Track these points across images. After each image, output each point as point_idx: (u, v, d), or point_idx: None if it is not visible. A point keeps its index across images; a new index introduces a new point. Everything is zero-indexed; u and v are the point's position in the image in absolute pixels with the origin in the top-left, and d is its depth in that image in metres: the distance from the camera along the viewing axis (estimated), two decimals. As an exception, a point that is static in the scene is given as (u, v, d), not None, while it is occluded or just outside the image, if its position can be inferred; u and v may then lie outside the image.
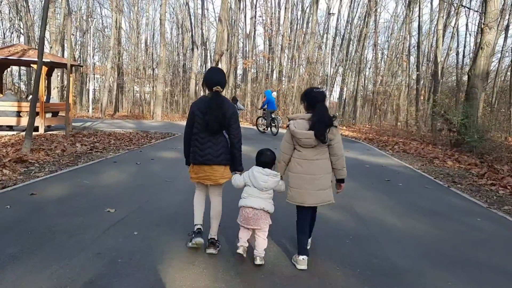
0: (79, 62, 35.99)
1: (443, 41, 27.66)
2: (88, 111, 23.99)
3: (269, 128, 16.78)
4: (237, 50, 35.07)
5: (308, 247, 3.68)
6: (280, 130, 15.92)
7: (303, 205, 3.51)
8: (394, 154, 12.14)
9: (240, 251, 3.44)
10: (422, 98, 30.22)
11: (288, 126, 3.51)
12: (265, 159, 3.57)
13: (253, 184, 3.48)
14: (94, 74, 38.35)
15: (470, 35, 55.30)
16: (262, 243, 3.46)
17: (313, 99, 3.52)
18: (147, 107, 34.18)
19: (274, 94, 20.95)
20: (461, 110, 15.40)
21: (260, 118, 18.03)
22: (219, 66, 27.71)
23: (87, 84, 36.72)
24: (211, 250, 3.64)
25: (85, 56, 39.15)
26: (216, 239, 3.71)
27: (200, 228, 3.70)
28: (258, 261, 3.42)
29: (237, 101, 17.07)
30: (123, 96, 40.66)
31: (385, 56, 37.34)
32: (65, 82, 27.77)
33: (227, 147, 3.65)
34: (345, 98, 40.05)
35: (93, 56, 41.66)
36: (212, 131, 3.55)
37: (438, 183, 7.81)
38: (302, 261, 3.44)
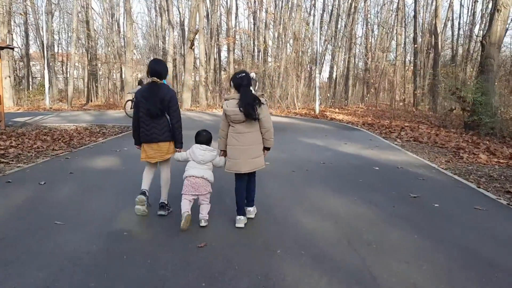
0: (45, 48, 32.78)
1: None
2: (46, 102, 20.96)
3: None
4: (217, 28, 32.09)
5: (253, 216, 4.24)
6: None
7: (239, 172, 3.99)
8: (404, 145, 9.56)
9: (183, 220, 3.78)
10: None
11: (222, 106, 3.97)
12: (202, 138, 4.17)
13: (192, 159, 4.05)
14: (46, 61, 35.16)
15: (462, 5, 52.80)
16: (205, 207, 4.05)
17: (237, 84, 3.95)
18: (122, 95, 31.19)
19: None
20: (476, 85, 12.87)
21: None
22: (195, 46, 24.84)
23: (52, 72, 33.51)
24: (161, 212, 4.30)
25: (51, 42, 35.86)
26: (166, 203, 4.38)
27: (145, 191, 4.30)
28: (202, 223, 3.97)
29: (140, 84, 15.97)
30: (98, 84, 37.67)
31: (377, 30, 34.65)
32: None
33: (169, 126, 4.24)
34: (336, 77, 37.43)
35: (56, 41, 38.60)
36: (152, 115, 4.14)
37: (490, 197, 5.23)
38: (239, 220, 4.00)
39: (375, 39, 34.31)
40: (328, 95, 29.09)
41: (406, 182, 5.85)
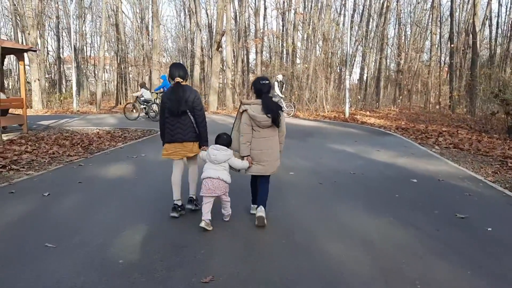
0: (73, 51, 33.29)
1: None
2: (73, 105, 20.99)
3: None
4: (245, 30, 31.69)
5: (263, 215, 4.06)
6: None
7: (265, 174, 4.20)
8: (444, 153, 8.72)
9: (202, 224, 3.88)
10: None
11: (245, 111, 4.03)
12: (221, 142, 4.15)
13: (208, 160, 4.07)
14: (75, 63, 35.64)
15: (501, 4, 50.46)
16: (226, 204, 4.17)
17: (258, 90, 4.11)
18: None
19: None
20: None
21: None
22: (222, 48, 24.47)
23: (83, 75, 34.00)
24: (189, 206, 4.52)
25: (82, 45, 36.42)
26: (194, 198, 4.54)
27: (177, 204, 4.35)
28: (226, 218, 4.22)
29: (143, 87, 16.38)
30: (128, 87, 37.98)
31: (410, 30, 33.34)
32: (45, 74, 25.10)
33: (193, 127, 4.35)
34: (367, 79, 36.33)
35: (89, 44, 39.18)
36: (175, 114, 4.26)
37: (553, 219, 4.45)
38: (253, 208, 4.39)
39: (408, 39, 33.08)
40: (359, 97, 28.16)
41: (449, 198, 5.10)
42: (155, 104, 15.82)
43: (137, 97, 16.23)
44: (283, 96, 17.81)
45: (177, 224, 4.11)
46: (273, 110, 3.98)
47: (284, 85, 18.70)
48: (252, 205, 4.45)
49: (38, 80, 21.19)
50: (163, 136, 4.48)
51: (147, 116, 16.04)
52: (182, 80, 4.31)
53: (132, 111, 16.69)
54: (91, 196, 5.12)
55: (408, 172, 6.58)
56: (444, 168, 7.01)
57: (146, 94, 16.12)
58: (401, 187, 5.62)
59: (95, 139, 10.33)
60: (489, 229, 4.01)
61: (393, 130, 12.84)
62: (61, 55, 36.70)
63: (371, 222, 4.17)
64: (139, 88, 16.95)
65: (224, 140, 4.16)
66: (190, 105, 4.25)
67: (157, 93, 16.36)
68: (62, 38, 36.68)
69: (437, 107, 21.35)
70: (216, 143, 4.15)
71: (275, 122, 4.00)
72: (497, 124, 14.11)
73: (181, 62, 37.11)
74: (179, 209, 4.35)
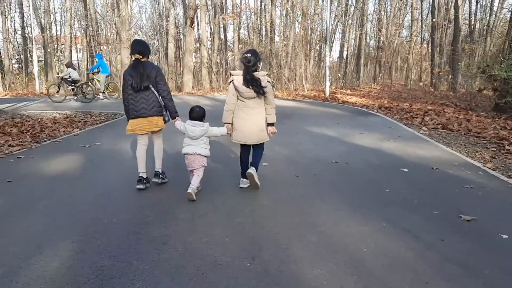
0: (45, 31, 31.37)
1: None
2: (36, 87, 19.52)
3: (101, 94, 15.62)
4: (221, 5, 30.28)
5: (255, 176, 4.31)
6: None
7: (246, 143, 4.36)
8: (433, 134, 7.99)
9: (189, 195, 4.05)
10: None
11: (231, 81, 4.21)
12: (195, 115, 4.22)
13: (187, 135, 4.19)
14: (42, 42, 33.77)
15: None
16: (196, 179, 4.18)
17: (242, 63, 4.23)
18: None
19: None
20: (508, 61, 11.22)
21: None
22: (195, 25, 23.18)
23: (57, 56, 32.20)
24: (155, 179, 4.62)
25: (48, 23, 34.33)
26: (160, 171, 4.64)
27: (142, 177, 4.47)
28: (190, 190, 4.06)
29: (70, 67, 15.31)
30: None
31: (390, 6, 32.49)
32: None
33: (157, 101, 4.41)
34: (347, 57, 35.53)
35: (58, 22, 37.15)
36: (138, 90, 4.30)
37: None
38: (243, 182, 4.49)
39: (388, 14, 32.26)
40: (339, 75, 27.30)
41: (448, 193, 4.33)
42: (91, 85, 15.33)
43: (62, 78, 15.20)
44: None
45: (112, 244, 3.21)
46: (251, 83, 4.11)
47: (261, 63, 17.69)
48: (241, 179, 4.53)
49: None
50: (127, 113, 4.50)
51: (75, 97, 15.25)
52: (141, 57, 4.31)
53: (57, 92, 15.72)
54: (16, 200, 4.16)
55: (397, 160, 5.79)
56: (436, 153, 6.25)
57: (74, 74, 15.10)
58: (391, 180, 4.83)
59: (49, 125, 9.26)
60: (504, 236, 3.24)
61: (376, 110, 12.08)
62: (29, 34, 34.67)
63: (359, 230, 3.35)
64: (65, 68, 15.88)
65: (198, 113, 4.22)
66: (153, 80, 4.31)
67: (92, 73, 15.88)
68: (30, 16, 34.49)
69: (420, 84, 20.64)
70: (191, 117, 4.21)
71: (259, 93, 4.13)
72: (484, 101, 13.53)
73: (155, 40, 35.58)
74: (144, 181, 4.46)
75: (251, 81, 4.11)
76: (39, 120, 10.04)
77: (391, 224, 3.48)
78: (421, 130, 8.49)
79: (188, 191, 4.04)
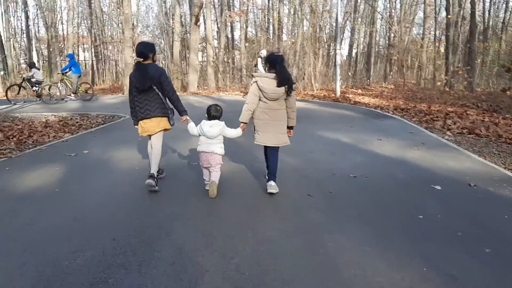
0: (49, 30, 30.81)
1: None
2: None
3: (72, 95, 15.21)
4: (228, 3, 29.49)
5: (274, 191, 4.19)
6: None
7: (266, 145, 4.28)
8: (460, 141, 7.15)
9: (207, 187, 4.23)
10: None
11: (255, 82, 4.16)
12: (214, 113, 4.24)
13: (202, 134, 4.21)
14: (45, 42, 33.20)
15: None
16: (215, 175, 4.21)
17: (274, 61, 4.17)
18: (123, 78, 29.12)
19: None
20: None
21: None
22: (201, 22, 22.43)
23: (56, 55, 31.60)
24: (149, 181, 4.27)
25: (55, 23, 33.83)
26: (155, 175, 4.38)
27: (153, 175, 4.31)
28: (207, 187, 4.27)
29: (33, 67, 14.83)
30: (104, 67, 35.75)
31: (400, 3, 31.45)
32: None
33: (161, 102, 4.42)
34: (356, 55, 34.59)
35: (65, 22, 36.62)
36: (142, 90, 4.33)
37: None
38: (270, 186, 4.23)
39: (400, 11, 31.24)
40: (350, 74, 26.35)
41: (496, 221, 3.52)
42: (60, 85, 14.93)
43: (24, 78, 14.63)
44: (268, 74, 16.06)
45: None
46: (288, 80, 4.12)
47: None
48: (267, 182, 4.36)
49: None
50: (134, 115, 4.55)
51: (38, 99, 14.46)
52: (142, 59, 4.33)
53: (17, 94, 15.20)
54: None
55: (425, 174, 4.98)
56: (469, 164, 5.42)
57: (38, 75, 14.54)
58: (423, 201, 4.02)
59: (39, 130, 8.56)
60: None
61: (392, 111, 11.22)
62: (36, 34, 34.24)
63: (392, 280, 2.56)
64: (28, 68, 15.34)
65: (218, 111, 4.26)
66: (156, 81, 4.31)
67: (63, 74, 15.37)
68: (37, 15, 34.06)
69: (439, 83, 19.62)
70: (209, 115, 4.25)
71: (289, 91, 4.14)
72: (504, 101, 12.63)
73: (162, 40, 34.91)
74: (152, 182, 4.33)
75: (286, 81, 4.09)
76: (30, 123, 9.35)
77: (432, 268, 2.68)
78: (445, 135, 7.64)
79: (206, 188, 4.29)
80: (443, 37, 26.85)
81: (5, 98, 14.33)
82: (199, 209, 3.80)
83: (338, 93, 15.61)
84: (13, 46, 30.97)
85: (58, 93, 14.59)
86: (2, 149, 6.64)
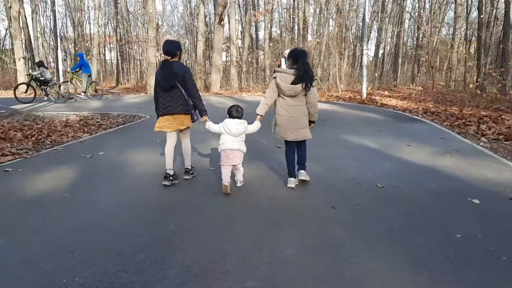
0: (76, 29, 31.32)
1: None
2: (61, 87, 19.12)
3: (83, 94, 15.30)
4: (252, 2, 29.23)
5: (307, 179, 4.45)
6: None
7: (287, 139, 4.39)
8: (496, 148, 6.65)
9: (224, 188, 4.21)
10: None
11: (274, 77, 4.23)
12: (236, 114, 4.33)
13: (227, 133, 4.26)
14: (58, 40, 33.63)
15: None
16: (240, 173, 4.46)
17: (296, 56, 4.22)
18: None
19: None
20: None
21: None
22: (225, 22, 22.26)
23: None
24: (186, 177, 4.74)
25: (82, 22, 34.38)
26: (189, 168, 4.78)
27: (169, 173, 4.52)
28: (238, 184, 4.48)
29: (42, 66, 14.80)
30: (129, 66, 36.04)
31: (430, 1, 30.50)
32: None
33: (184, 100, 4.48)
34: (383, 56, 33.75)
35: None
36: (165, 88, 4.41)
37: None
38: (290, 181, 4.43)
39: (429, 11, 30.30)
40: (376, 75, 25.70)
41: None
42: (70, 84, 15.13)
43: (32, 77, 14.65)
44: (291, 74, 15.71)
45: None
46: (307, 74, 4.13)
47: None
48: (289, 179, 4.48)
49: (24, 58, 19.30)
50: (157, 110, 4.64)
51: (45, 98, 14.51)
52: (169, 57, 4.43)
53: (25, 92, 15.32)
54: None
55: (460, 184, 4.56)
56: (508, 175, 4.96)
57: (46, 74, 14.52)
58: (460, 217, 3.62)
59: (59, 129, 8.48)
60: None
61: (421, 115, 10.71)
62: (63, 33, 34.86)
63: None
64: (37, 67, 15.30)
65: (239, 112, 4.36)
66: (180, 79, 4.38)
67: (73, 73, 15.49)
68: (65, 15, 34.71)
69: (471, 86, 18.80)
70: (231, 114, 4.34)
71: (307, 87, 4.15)
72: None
73: (186, 39, 34.96)
74: (170, 178, 4.51)
75: (305, 76, 4.12)
76: (50, 122, 9.30)
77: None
78: (480, 141, 7.15)
79: (237, 185, 4.46)
80: (474, 38, 25.88)
81: (13, 97, 14.40)
82: (213, 222, 3.52)
83: (364, 95, 15.12)
84: (42, 45, 31.57)
85: (67, 92, 14.67)
86: (19, 149, 6.54)
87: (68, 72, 16.42)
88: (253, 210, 3.81)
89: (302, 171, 4.46)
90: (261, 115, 4.41)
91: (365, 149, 6.48)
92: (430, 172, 5.08)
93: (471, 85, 18.06)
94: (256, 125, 4.39)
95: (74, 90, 15.32)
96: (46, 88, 14.49)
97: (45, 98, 14.58)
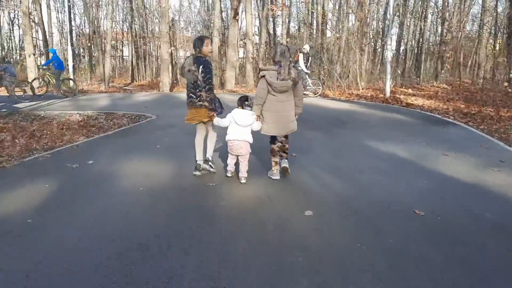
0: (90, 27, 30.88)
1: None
2: (70, 83, 18.64)
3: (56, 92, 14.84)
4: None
5: (287, 165, 4.54)
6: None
7: (274, 134, 4.49)
8: (550, 159, 5.64)
9: (228, 174, 4.59)
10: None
11: (263, 76, 4.31)
12: (246, 104, 4.51)
13: (236, 122, 4.40)
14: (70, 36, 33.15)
15: None
16: (244, 167, 4.47)
17: (275, 53, 4.42)
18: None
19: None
20: None
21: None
22: (240, 15, 21.40)
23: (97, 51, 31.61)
24: (205, 166, 4.81)
25: (97, 18, 33.94)
26: (208, 159, 4.86)
27: (200, 164, 4.75)
28: (242, 180, 4.46)
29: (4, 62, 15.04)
30: (144, 63, 35.52)
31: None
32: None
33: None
34: (405, 52, 32.37)
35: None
36: (191, 82, 4.57)
37: None
38: (275, 174, 4.58)
39: (453, 5, 28.83)
40: (399, 71, 24.48)
41: None
42: (42, 81, 14.90)
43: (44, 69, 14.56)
44: (309, 71, 14.79)
45: None
46: (291, 70, 4.29)
47: (310, 58, 15.59)
48: (272, 171, 4.62)
49: (34, 55, 18.84)
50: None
51: (8, 96, 13.53)
52: (195, 52, 4.59)
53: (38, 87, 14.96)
54: None
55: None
56: None
57: (10, 70, 13.71)
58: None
59: (54, 131, 7.78)
60: None
61: (453, 116, 9.66)
62: (82, 29, 34.50)
63: None
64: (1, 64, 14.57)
65: (248, 103, 4.51)
66: (198, 74, 4.46)
67: (44, 69, 15.13)
68: (70, 12, 34.32)
69: (506, 84, 17.50)
70: (240, 104, 4.52)
71: (295, 82, 4.33)
72: None
73: (205, 35, 34.29)
74: (201, 168, 4.72)
75: (291, 72, 4.27)
76: (44, 123, 8.61)
77: None
78: (529, 150, 6.14)
79: (241, 181, 4.42)
80: (500, 33, 24.42)
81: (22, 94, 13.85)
82: (209, 256, 2.69)
83: (388, 93, 14.06)
84: (60, 41, 31.31)
85: (30, 91, 14.04)
86: (1, 156, 5.83)
87: (40, 68, 16.03)
88: (258, 243, 2.95)
89: (285, 160, 4.59)
90: (258, 115, 4.46)
91: (394, 159, 5.54)
92: (478, 192, 4.14)
93: (506, 84, 16.74)
94: (258, 124, 4.44)
95: (45, 88, 14.93)
96: (11, 86, 13.53)
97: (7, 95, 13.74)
